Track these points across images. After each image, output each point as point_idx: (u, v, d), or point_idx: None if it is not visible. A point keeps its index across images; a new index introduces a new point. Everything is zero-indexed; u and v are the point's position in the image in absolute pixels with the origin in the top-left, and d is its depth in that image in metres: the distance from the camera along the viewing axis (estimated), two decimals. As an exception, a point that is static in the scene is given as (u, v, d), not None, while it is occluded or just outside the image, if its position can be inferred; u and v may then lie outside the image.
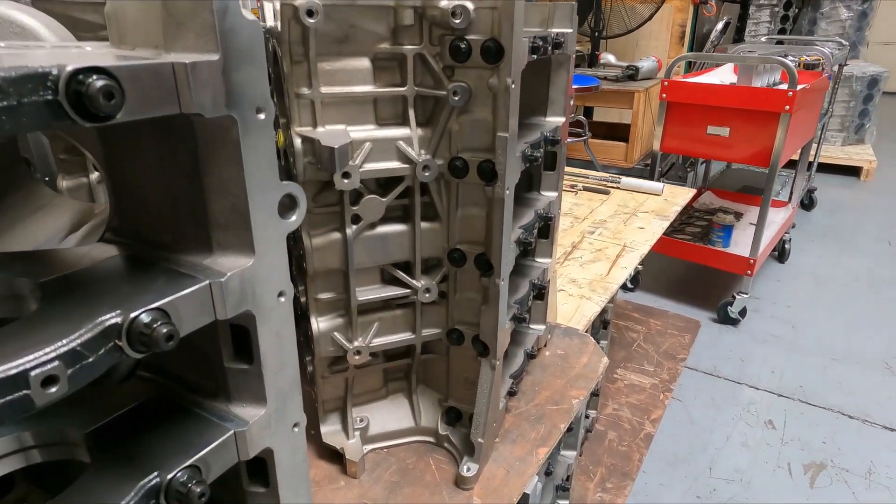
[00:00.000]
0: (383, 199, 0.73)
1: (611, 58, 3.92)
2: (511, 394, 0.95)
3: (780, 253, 3.13)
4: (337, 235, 0.74)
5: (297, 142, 0.67)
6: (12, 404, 0.29)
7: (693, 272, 3.03)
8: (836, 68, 3.21)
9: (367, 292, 0.79)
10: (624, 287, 2.86)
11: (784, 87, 2.18)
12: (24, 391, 0.29)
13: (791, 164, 3.12)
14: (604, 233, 1.75)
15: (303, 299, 0.79)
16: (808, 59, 2.79)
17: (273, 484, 0.48)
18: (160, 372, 0.50)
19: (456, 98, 0.68)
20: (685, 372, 2.26)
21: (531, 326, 1.09)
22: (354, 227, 0.73)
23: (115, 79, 0.29)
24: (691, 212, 3.14)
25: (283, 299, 0.44)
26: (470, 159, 0.72)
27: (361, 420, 0.87)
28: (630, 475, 1.73)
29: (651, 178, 2.56)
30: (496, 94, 0.67)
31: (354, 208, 0.72)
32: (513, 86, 0.65)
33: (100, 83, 0.29)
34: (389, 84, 0.70)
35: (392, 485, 0.82)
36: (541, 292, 1.02)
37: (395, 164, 0.72)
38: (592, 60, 4.00)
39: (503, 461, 0.86)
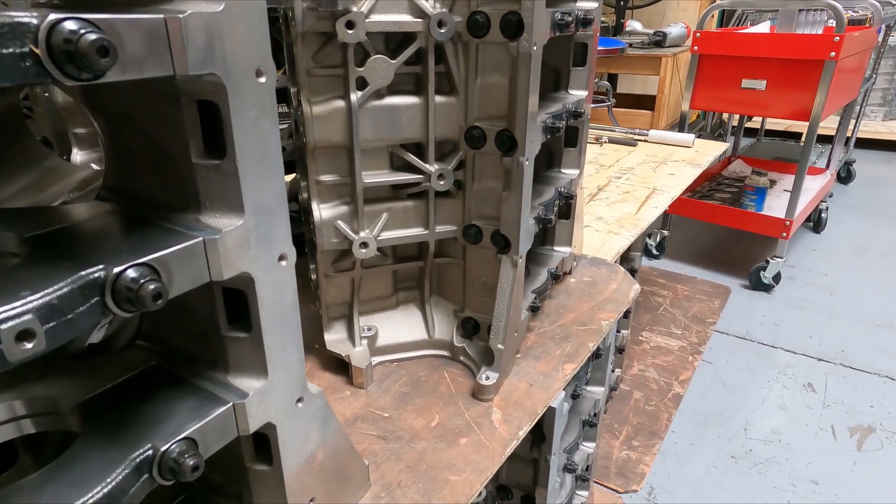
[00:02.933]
0: (392, 61, 0.65)
1: (637, 25, 3.77)
2: (534, 309, 0.86)
3: (816, 223, 2.97)
4: (340, 103, 0.65)
5: (295, -21, 0.58)
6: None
7: (721, 240, 2.89)
8: (884, 28, 3.03)
9: (375, 176, 0.71)
10: (648, 254, 2.74)
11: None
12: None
13: (828, 140, 2.96)
14: (632, 178, 1.65)
15: (304, 183, 0.70)
16: (854, 14, 2.62)
17: (276, 463, 0.41)
18: (159, 342, 0.43)
19: (476, -67, 0.59)
20: (715, 336, 2.14)
21: (555, 248, 1.00)
22: (360, 93, 0.65)
23: (95, 28, 0.21)
24: (720, 179, 3.00)
25: (284, 263, 0.36)
26: (492, 13, 0.63)
27: (369, 329, 0.79)
28: (658, 434, 1.63)
29: (680, 135, 2.43)
30: (523, -79, 0.57)
31: (360, 70, 0.64)
32: None
33: (92, 36, 0.21)
34: (400, -77, 0.62)
35: (402, 395, 0.74)
36: (567, 204, 0.93)
37: (406, 17, 0.63)
38: (618, 29, 3.85)
39: (525, 375, 0.77)
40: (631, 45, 3.55)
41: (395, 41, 0.66)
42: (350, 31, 0.60)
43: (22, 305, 0.26)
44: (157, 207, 0.37)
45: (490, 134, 0.69)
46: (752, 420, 1.70)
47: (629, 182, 1.61)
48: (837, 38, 1.94)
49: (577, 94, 0.87)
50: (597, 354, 0.99)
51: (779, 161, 3.14)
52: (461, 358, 0.80)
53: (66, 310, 0.28)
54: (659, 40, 3.53)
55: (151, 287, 0.30)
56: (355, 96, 0.65)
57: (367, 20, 0.61)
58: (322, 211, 0.70)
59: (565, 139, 0.92)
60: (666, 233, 2.72)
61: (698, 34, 2.26)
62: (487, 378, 0.72)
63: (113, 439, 0.35)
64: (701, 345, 2.08)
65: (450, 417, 0.69)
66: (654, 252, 2.73)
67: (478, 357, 0.78)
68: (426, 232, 0.75)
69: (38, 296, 0.26)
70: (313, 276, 0.78)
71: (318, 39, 0.62)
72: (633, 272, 1.59)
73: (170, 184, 0.36)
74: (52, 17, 0.23)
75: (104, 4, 0.35)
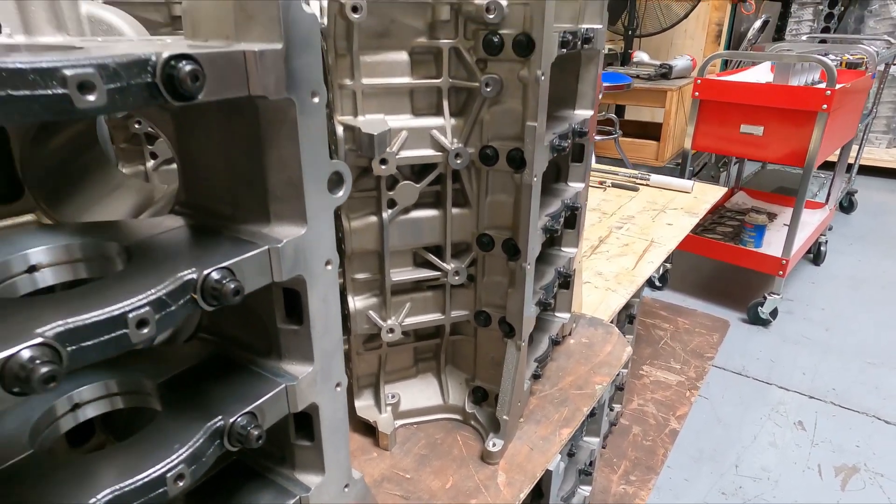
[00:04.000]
0: (417, 185, 0.78)
1: (644, 56, 3.89)
2: (536, 377, 0.99)
3: (816, 255, 3.07)
4: (374, 219, 0.79)
5: (339, 129, 0.72)
6: (113, 341, 0.34)
7: (722, 272, 2.99)
8: (881, 67, 3.13)
9: (401, 274, 0.84)
10: (651, 285, 2.85)
11: (823, 85, 2.15)
12: (123, 330, 0.34)
13: (830, 166, 3.06)
14: (631, 228, 1.77)
15: (340, 280, 0.84)
16: (850, 57, 2.73)
17: (317, 438, 0.53)
18: (218, 334, 0.56)
19: (488, 89, 0.72)
20: (713, 371, 2.24)
21: (556, 314, 1.13)
22: (390, 211, 0.78)
23: (198, 63, 0.35)
24: (723, 211, 3.11)
25: (329, 267, 0.49)
26: (500, 147, 0.76)
27: (393, 396, 0.91)
28: (654, 469, 1.74)
29: (682, 176, 2.55)
30: (526, 85, 0.70)
31: (390, 193, 0.77)
32: (542, 78, 0.69)
33: (188, 67, 0.34)
34: (425, 76, 0.75)
35: (421, 457, 0.86)
36: (566, 280, 1.05)
37: (429, 152, 0.76)
38: (625, 59, 3.97)
39: (527, 439, 0.89)
40: (638, 77, 3.67)
41: (418, 168, 0.79)
42: (383, 167, 0.73)
43: (142, 300, 0.36)
44: (225, 219, 0.48)
45: (498, 240, 0.82)
46: (743, 457, 1.80)
47: (628, 233, 1.73)
48: (829, 92, 2.05)
49: (583, 113, 0.94)
50: (591, 414, 1.11)
51: (780, 194, 3.24)
52: (472, 422, 0.92)
53: (170, 303, 0.37)
54: (665, 72, 3.65)
55: (232, 286, 0.40)
56: (386, 214, 0.78)
57: (396, 156, 0.74)
58: (356, 302, 0.83)
59: (572, 155, 0.98)
60: (668, 265, 2.83)
61: (699, 81, 2.38)
62: (494, 445, 0.85)
63: (190, 412, 0.45)
64: (698, 380, 2.18)
65: (462, 480, 0.82)
66: (657, 284, 2.84)
67: (486, 422, 0.90)
68: (443, 317, 0.88)
69: (151, 292, 0.36)
70: (345, 346, 0.91)
71: (356, 171, 0.75)
72: (631, 318, 1.71)
73: (240, 202, 0.48)
74: (167, 54, 0.33)
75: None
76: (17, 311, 0.34)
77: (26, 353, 0.30)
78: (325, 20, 0.68)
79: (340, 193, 0.48)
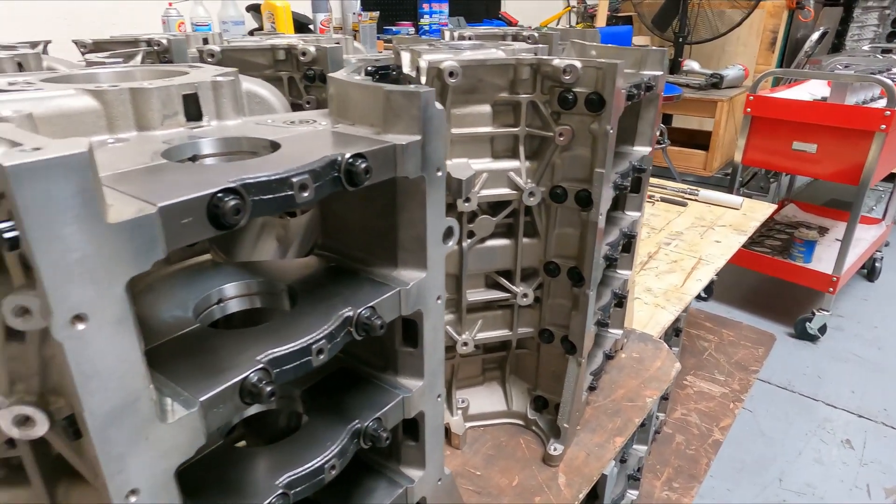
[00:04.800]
0: (493, 219, 0.88)
1: (694, 65, 3.88)
2: (591, 389, 1.08)
3: (870, 271, 3.02)
4: (454, 247, 0.90)
5: (431, 172, 0.83)
6: (302, 366, 0.46)
7: (770, 285, 2.99)
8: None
9: (475, 294, 0.95)
10: (697, 296, 2.87)
11: (882, 103, 2.14)
12: (308, 357, 0.47)
13: (889, 177, 3.00)
14: (680, 245, 1.83)
15: (422, 298, 0.95)
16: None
17: (421, 439, 0.65)
18: (343, 351, 0.68)
19: (561, 138, 0.82)
20: (757, 384, 2.27)
21: (610, 330, 1.22)
22: (469, 241, 0.89)
23: (367, 160, 0.46)
24: (772, 224, 3.09)
25: (440, 301, 0.60)
26: (569, 188, 0.86)
27: (463, 401, 1.03)
28: (697, 478, 1.80)
29: (731, 189, 2.57)
30: (596, 137, 0.80)
31: (470, 226, 0.88)
32: (611, 131, 0.79)
33: (363, 164, 0.45)
34: (505, 125, 0.85)
35: (489, 457, 0.97)
36: (621, 301, 1.14)
37: (505, 191, 0.87)
38: (675, 67, 3.97)
39: (584, 446, 0.99)
40: (688, 86, 3.68)
41: (494, 202, 0.89)
42: (466, 205, 0.84)
43: (319, 334, 0.47)
44: (359, 262, 0.60)
45: (563, 268, 0.92)
46: (787, 471, 1.84)
47: (677, 249, 1.79)
48: (888, 112, 2.05)
49: (641, 150, 1.02)
50: (641, 424, 1.20)
51: (832, 208, 3.20)
52: (533, 427, 1.03)
53: (336, 336, 0.49)
54: (716, 82, 3.64)
55: (378, 322, 0.51)
56: (465, 243, 0.89)
57: (478, 195, 0.85)
58: (435, 319, 0.95)
59: (630, 187, 1.04)
60: (715, 277, 2.84)
61: (751, 97, 2.40)
62: (555, 449, 0.95)
63: (331, 416, 0.56)
64: (743, 392, 2.22)
65: (526, 479, 0.92)
66: (703, 294, 2.86)
67: (546, 428, 1.00)
68: (510, 333, 0.99)
69: (325, 328, 0.48)
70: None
71: (442, 207, 0.86)
72: (677, 332, 1.77)
73: (372, 250, 0.59)
74: (348, 154, 0.45)
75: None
76: (233, 342, 0.47)
77: (254, 376, 0.43)
78: (424, 79, 0.79)
79: (450, 243, 0.59)
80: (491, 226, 0.89)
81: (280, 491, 0.49)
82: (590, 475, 0.93)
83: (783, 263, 2.60)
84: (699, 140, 3.77)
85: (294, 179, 0.41)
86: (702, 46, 4.24)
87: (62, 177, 0.29)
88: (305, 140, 0.50)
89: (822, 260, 2.60)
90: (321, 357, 0.48)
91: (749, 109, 2.42)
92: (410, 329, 0.60)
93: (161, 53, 1.15)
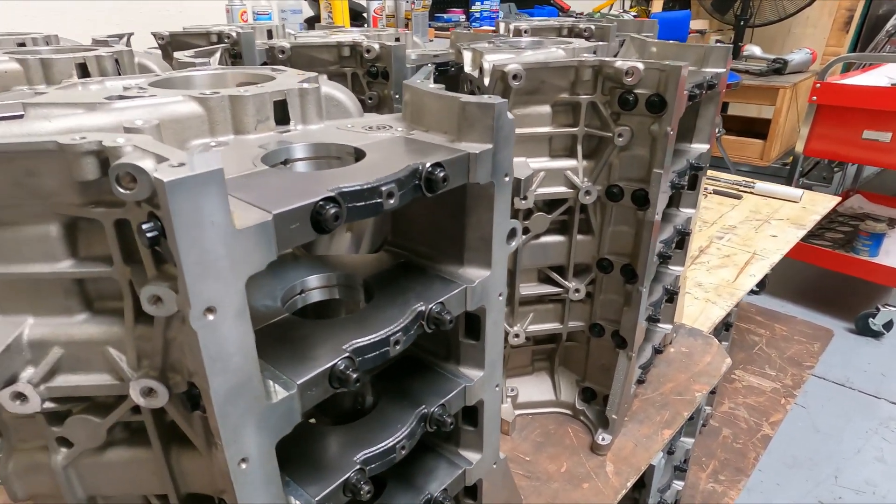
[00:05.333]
0: (549, 216, 0.91)
1: (756, 50, 3.73)
2: (639, 382, 1.10)
3: (939, 266, 2.87)
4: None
5: (491, 170, 0.86)
6: (380, 355, 0.51)
7: (827, 278, 2.89)
8: None
9: (528, 288, 0.98)
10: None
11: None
12: (386, 348, 0.51)
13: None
14: (733, 239, 1.80)
15: (478, 289, 0.99)
16: None
17: (480, 425, 0.69)
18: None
19: (620, 139, 0.84)
20: (812, 380, 2.22)
21: (660, 325, 1.23)
22: (524, 237, 0.92)
23: (445, 169, 0.50)
24: (834, 216, 2.97)
25: (501, 297, 0.64)
26: (626, 187, 0.88)
27: (512, 390, 1.07)
28: (744, 471, 1.80)
29: (790, 181, 2.49)
30: (656, 138, 0.81)
31: (525, 222, 0.91)
32: (671, 133, 0.80)
33: (441, 173, 0.49)
34: (563, 125, 0.88)
35: (537, 444, 1.01)
36: (672, 296, 1.15)
37: (562, 189, 0.89)
38: (735, 52, 3.83)
39: (631, 437, 1.02)
40: (747, 72, 3.54)
41: (549, 200, 0.92)
42: (524, 202, 0.87)
43: (397, 326, 0.52)
44: (427, 258, 0.64)
45: (617, 265, 0.94)
46: (844, 468, 1.81)
47: (730, 244, 1.77)
48: (967, 100, 1.93)
49: (699, 147, 1.04)
50: (690, 417, 1.21)
51: (902, 199, 3.04)
52: (581, 417, 1.06)
53: (410, 328, 0.54)
54: (779, 67, 3.49)
55: (447, 317, 0.56)
56: (521, 239, 0.92)
57: (535, 193, 0.88)
58: (489, 309, 0.99)
59: (686, 184, 1.05)
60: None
61: (818, 85, 2.31)
62: (604, 439, 0.98)
63: (400, 401, 0.61)
64: (795, 388, 2.17)
65: (574, 466, 0.96)
66: (755, 287, 2.79)
67: (594, 418, 1.03)
68: (561, 326, 1.02)
69: (401, 321, 0.52)
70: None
71: (500, 203, 0.90)
72: (728, 326, 1.76)
73: (440, 248, 0.64)
74: (428, 164, 0.49)
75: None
76: (321, 332, 0.52)
77: (341, 364, 0.48)
78: (487, 80, 0.82)
79: (514, 244, 0.63)
80: (546, 223, 0.92)
81: (357, 466, 0.54)
82: (637, 465, 0.96)
83: (846, 257, 2.51)
84: (757, 128, 3.63)
85: (383, 188, 0.45)
86: (765, 29, 4.06)
87: (205, 189, 0.35)
88: (385, 147, 0.54)
89: (890, 253, 2.49)
90: (398, 347, 0.52)
91: (815, 98, 2.32)
92: (473, 323, 0.64)
93: (232, 46, 1.23)
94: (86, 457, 0.53)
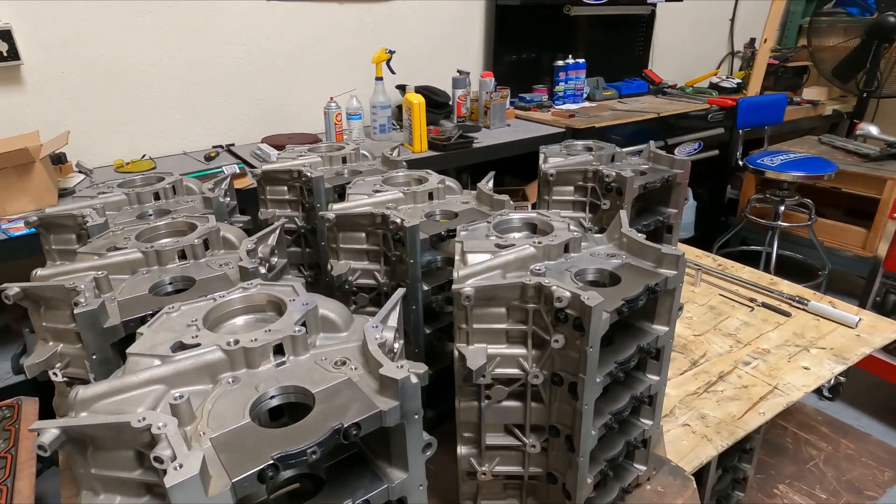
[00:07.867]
0: (506, 389, 1.14)
1: (872, 129, 3.48)
2: (597, 521, 1.27)
3: None
4: (475, 404, 1.17)
5: (456, 353, 1.11)
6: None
7: (922, 394, 2.67)
8: None
9: (493, 439, 1.21)
10: (819, 395, 2.69)
11: None
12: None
13: None
14: (760, 366, 1.82)
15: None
16: None
17: None
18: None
19: (556, 343, 1.05)
20: (865, 513, 2.13)
21: (634, 465, 1.38)
22: (486, 401, 1.16)
23: (359, 426, 0.78)
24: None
25: (422, 487, 0.89)
26: (565, 377, 1.08)
27: (487, 512, 1.30)
28: None
29: (866, 297, 2.39)
30: (580, 351, 1.02)
31: (487, 391, 1.15)
32: (590, 350, 1.00)
33: (355, 431, 0.77)
34: (516, 322, 1.10)
35: (494, 562, 1.23)
36: (645, 441, 1.30)
37: (515, 371, 1.12)
38: (848, 130, 3.61)
39: (574, 573, 1.20)
40: (856, 155, 3.34)
41: (506, 378, 1.15)
42: (482, 379, 1.11)
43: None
44: (371, 451, 0.93)
45: (562, 433, 1.14)
46: None
47: (754, 372, 1.80)
48: None
49: (658, 329, 1.20)
50: (647, 558, 1.35)
51: None
52: (537, 545, 1.26)
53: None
54: (895, 153, 3.25)
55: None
56: (483, 403, 1.16)
57: (492, 374, 1.11)
58: (462, 450, 1.23)
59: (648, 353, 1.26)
60: (843, 379, 2.64)
61: (896, 200, 2.21)
62: (544, 572, 1.18)
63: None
64: (841, 518, 2.10)
65: (516, 591, 1.17)
66: (827, 394, 2.68)
67: (547, 549, 1.23)
68: (522, 470, 1.23)
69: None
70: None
71: (461, 376, 1.14)
72: (736, 482, 1.79)
73: (377, 450, 0.92)
74: (346, 423, 0.77)
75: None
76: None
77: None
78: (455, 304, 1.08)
79: (429, 452, 0.88)
80: (504, 393, 1.15)
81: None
82: None
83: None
84: (866, 208, 3.39)
85: (309, 450, 0.74)
86: (891, 106, 3.77)
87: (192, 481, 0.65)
88: (331, 395, 0.82)
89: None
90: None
91: None
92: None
93: (304, 184, 1.62)
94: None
